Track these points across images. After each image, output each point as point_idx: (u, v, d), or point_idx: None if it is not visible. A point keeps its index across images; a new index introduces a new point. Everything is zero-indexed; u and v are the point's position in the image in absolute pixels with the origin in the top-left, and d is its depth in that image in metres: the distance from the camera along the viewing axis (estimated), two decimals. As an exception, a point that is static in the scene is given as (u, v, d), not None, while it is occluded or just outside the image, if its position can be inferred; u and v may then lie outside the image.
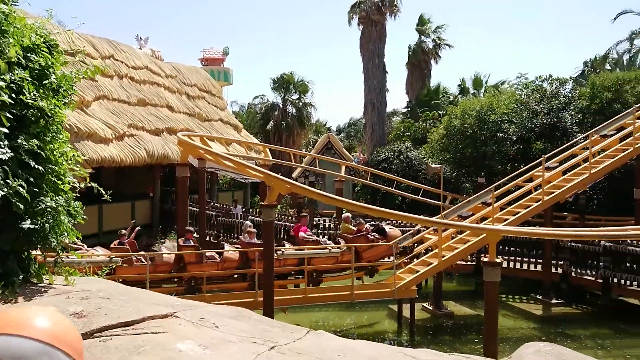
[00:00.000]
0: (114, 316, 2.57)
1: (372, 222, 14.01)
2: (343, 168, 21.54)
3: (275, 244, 11.35)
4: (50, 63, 3.26)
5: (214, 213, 18.24)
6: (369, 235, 12.54)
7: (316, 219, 18.89)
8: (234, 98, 70.07)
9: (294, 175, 27.54)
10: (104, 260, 10.14)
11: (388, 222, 14.12)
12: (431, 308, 14.09)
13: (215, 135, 21.43)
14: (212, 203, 19.97)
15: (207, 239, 17.77)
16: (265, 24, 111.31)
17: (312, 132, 41.14)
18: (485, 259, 9.75)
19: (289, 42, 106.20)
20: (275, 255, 11.08)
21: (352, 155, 36.32)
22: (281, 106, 34.53)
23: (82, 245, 12.00)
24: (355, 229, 12.79)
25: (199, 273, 11.26)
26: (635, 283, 13.64)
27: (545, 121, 19.78)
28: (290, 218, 16.97)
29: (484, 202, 14.41)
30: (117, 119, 17.78)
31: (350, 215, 13.96)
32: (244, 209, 19.89)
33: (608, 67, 32.27)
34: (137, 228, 13.25)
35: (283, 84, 34.44)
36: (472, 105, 22.51)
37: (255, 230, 12.84)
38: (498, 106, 21.60)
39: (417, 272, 12.64)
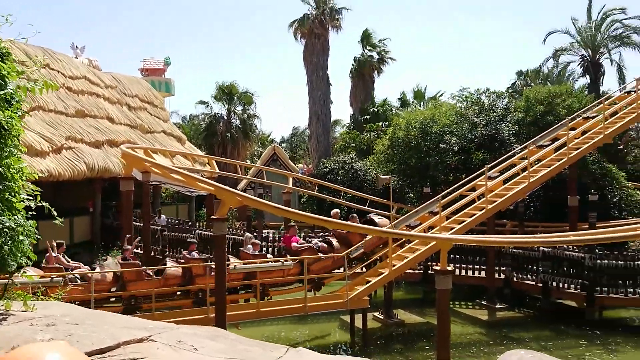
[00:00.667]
0: (87, 343, 2.40)
1: (326, 234, 14.05)
2: (290, 180, 21.51)
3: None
4: (5, 73, 3.05)
5: (158, 227, 17.69)
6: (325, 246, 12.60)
7: (265, 231, 18.69)
8: (176, 109, 68.71)
9: (239, 187, 27.20)
10: (59, 281, 9.61)
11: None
12: (382, 317, 14.21)
13: (159, 147, 20.87)
14: (155, 217, 19.35)
15: (152, 254, 17.23)
16: (207, 34, 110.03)
17: (257, 143, 40.90)
18: (437, 268, 9.95)
19: (232, 53, 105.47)
20: (227, 269, 10.86)
21: (297, 167, 36.36)
22: (225, 117, 34.11)
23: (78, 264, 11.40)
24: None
25: (141, 291, 10.86)
26: (572, 286, 14.35)
27: (484, 132, 20.60)
28: (237, 231, 16.70)
29: (430, 211, 14.74)
30: (54, 131, 16.97)
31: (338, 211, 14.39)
32: (169, 219, 19.42)
33: (539, 81, 34.07)
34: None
35: (227, 95, 34.07)
36: (415, 117, 23.12)
37: (259, 242, 12.71)
38: (440, 118, 22.30)
39: (369, 282, 12.75)
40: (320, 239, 13.88)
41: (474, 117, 21.37)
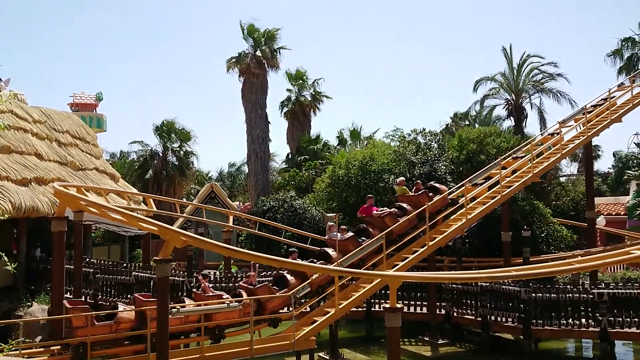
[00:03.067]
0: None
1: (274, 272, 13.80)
2: (231, 218, 21.12)
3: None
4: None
5: (91, 270, 16.74)
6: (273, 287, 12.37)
7: (205, 271, 18.10)
8: (108, 145, 66.39)
9: (175, 226, 26.36)
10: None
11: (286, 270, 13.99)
12: (328, 357, 14.02)
13: (91, 185, 19.93)
14: (87, 259, 18.30)
15: (83, 298, 16.19)
16: (141, 69, 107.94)
17: (194, 181, 40.08)
18: (387, 305, 9.99)
19: (169, 89, 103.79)
20: (170, 313, 10.38)
21: (234, 204, 35.86)
22: (161, 154, 33.29)
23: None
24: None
25: (90, 338, 10.13)
26: (509, 319, 14.84)
27: (421, 171, 21.32)
28: (181, 272, 16.08)
29: (373, 250, 14.83)
30: (-23, 167, 15.81)
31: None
32: (42, 255, 18.55)
33: (468, 122, 35.95)
34: None
35: (164, 131, 33.36)
36: (355, 156, 23.58)
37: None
38: (378, 157, 22.87)
39: (315, 321, 12.58)
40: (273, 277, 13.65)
41: (412, 156, 22.09)
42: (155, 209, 19.72)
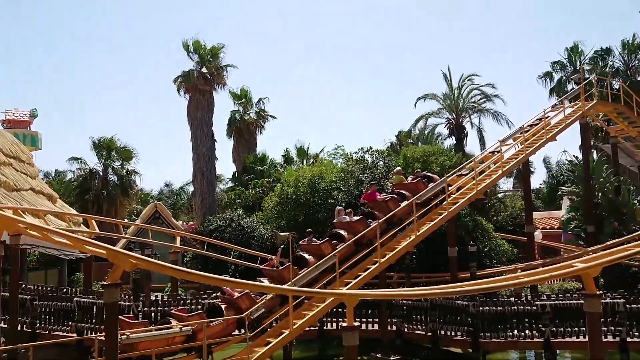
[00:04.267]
0: None
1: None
2: (178, 238, 20.60)
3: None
4: None
5: (28, 297, 15.78)
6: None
7: (152, 294, 17.45)
8: (42, 164, 63.21)
9: (117, 247, 25.35)
10: None
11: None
12: (282, 379, 13.83)
13: (27, 207, 18.89)
14: (23, 285, 17.25)
15: (20, 327, 15.23)
16: (79, 84, 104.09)
17: (136, 201, 38.82)
18: (344, 324, 10.00)
19: (109, 106, 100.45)
20: (120, 340, 9.94)
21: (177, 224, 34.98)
22: (102, 173, 32.06)
23: None
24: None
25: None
26: (458, 333, 15.18)
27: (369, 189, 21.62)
28: (126, 297, 15.43)
29: (326, 268, 14.87)
30: None
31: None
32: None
33: (411, 140, 36.98)
34: None
35: (104, 149, 32.18)
36: (303, 174, 23.65)
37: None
38: (327, 175, 23.05)
39: (270, 342, 12.40)
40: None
41: (359, 174, 22.41)
42: (97, 231, 18.94)
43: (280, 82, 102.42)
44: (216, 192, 35.94)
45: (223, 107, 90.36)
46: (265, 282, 13.68)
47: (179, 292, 20.32)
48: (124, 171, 32.67)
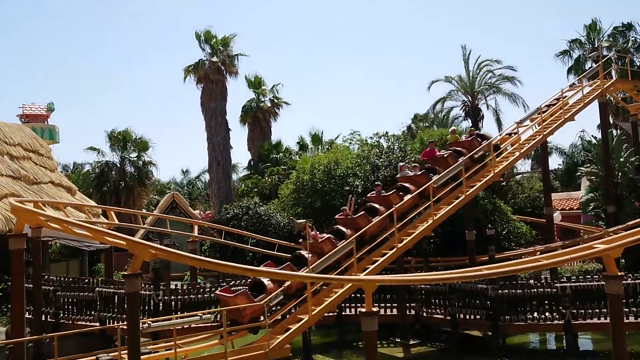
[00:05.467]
0: None
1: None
2: (196, 228, 20.77)
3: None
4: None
5: (51, 288, 16.08)
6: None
7: (173, 284, 17.64)
8: (61, 157, 64.06)
9: (136, 238, 25.67)
10: None
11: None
12: (302, 365, 13.97)
13: (47, 200, 19.18)
14: (46, 276, 17.58)
15: (44, 318, 15.56)
16: (96, 77, 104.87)
17: (154, 191, 39.20)
18: (363, 310, 10.02)
19: (125, 97, 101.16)
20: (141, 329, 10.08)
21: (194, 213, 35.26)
22: (119, 165, 32.39)
23: None
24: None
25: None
26: (477, 317, 15.12)
27: (386, 174, 21.53)
28: (147, 285, 15.64)
29: (344, 253, 14.88)
30: None
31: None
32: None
33: (427, 124, 36.65)
34: None
35: (120, 141, 32.47)
36: (319, 160, 23.60)
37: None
38: (343, 161, 22.96)
39: (289, 329, 12.49)
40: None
41: (376, 159, 22.28)
42: (116, 222, 19.17)
43: (294, 68, 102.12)
44: (232, 180, 36.10)
45: (236, 95, 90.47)
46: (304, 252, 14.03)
47: (198, 280, 20.53)
48: (141, 162, 32.96)
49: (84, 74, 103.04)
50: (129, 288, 9.89)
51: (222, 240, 21.48)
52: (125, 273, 10.05)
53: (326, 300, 13.14)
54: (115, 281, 16.59)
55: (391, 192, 16.14)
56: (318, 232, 15.54)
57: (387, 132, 24.86)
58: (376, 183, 18.39)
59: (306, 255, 13.79)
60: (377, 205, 15.71)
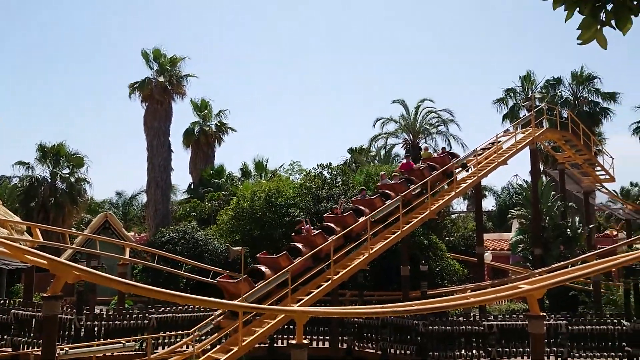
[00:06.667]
0: None
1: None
2: (128, 250, 19.99)
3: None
4: None
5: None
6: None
7: (97, 308, 16.77)
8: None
9: (63, 258, 24.39)
10: None
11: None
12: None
13: (-34, 213, 18.00)
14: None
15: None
16: (27, 87, 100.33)
17: (86, 210, 37.52)
18: (293, 341, 9.88)
19: (60, 111, 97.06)
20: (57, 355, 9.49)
21: (129, 235, 33.96)
22: (49, 180, 30.86)
23: None
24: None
25: None
26: (408, 352, 15.26)
27: (327, 205, 21.64)
28: (69, 309, 14.78)
29: (278, 284, 14.72)
30: None
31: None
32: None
33: (367, 159, 37.36)
34: None
35: (53, 155, 31.01)
36: (260, 188, 23.44)
37: None
38: (285, 190, 22.92)
39: (217, 360, 12.12)
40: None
41: (318, 190, 22.39)
42: (41, 240, 18.16)
43: (243, 96, 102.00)
44: (171, 203, 35.16)
45: (182, 117, 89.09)
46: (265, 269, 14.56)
47: (126, 305, 19.66)
48: (73, 179, 31.55)
49: (23, 84, 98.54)
50: (47, 311, 9.34)
51: (155, 264, 20.75)
52: (45, 295, 9.49)
53: (258, 331, 12.90)
54: (34, 303, 15.60)
55: (347, 214, 16.75)
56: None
57: (330, 164, 25.11)
58: (361, 187, 20.31)
59: (264, 270, 14.17)
60: (332, 225, 16.31)
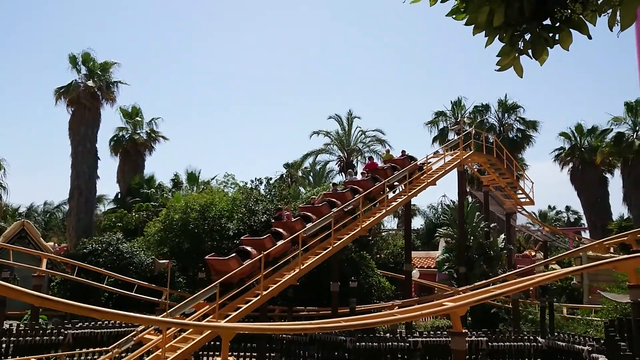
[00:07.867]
0: None
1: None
2: (45, 261, 18.83)
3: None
4: None
5: None
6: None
7: (7, 323, 15.61)
8: None
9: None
10: None
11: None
12: (148, 418, 12.90)
13: None
14: None
15: None
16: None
17: (0, 217, 35.10)
18: (219, 359, 9.59)
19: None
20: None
21: (48, 245, 32.02)
22: (-39, 184, 28.70)
23: None
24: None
25: None
26: (338, 368, 15.26)
27: (263, 220, 21.43)
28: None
29: (207, 298, 14.37)
30: None
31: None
32: None
33: (302, 175, 37.55)
34: None
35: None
36: (194, 200, 22.90)
37: None
38: (219, 203, 22.51)
39: (137, 378, 11.59)
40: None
41: (253, 205, 22.16)
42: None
43: (177, 105, 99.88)
44: (96, 213, 33.61)
45: (111, 124, 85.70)
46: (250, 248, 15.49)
47: (40, 320, 18.46)
48: (-12, 184, 29.54)
49: None
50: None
51: (75, 277, 19.67)
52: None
53: (182, 347, 12.47)
54: None
55: (295, 220, 17.33)
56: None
57: (268, 178, 24.99)
58: (332, 182, 22.43)
59: (281, 232, 16.31)
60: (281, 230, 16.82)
